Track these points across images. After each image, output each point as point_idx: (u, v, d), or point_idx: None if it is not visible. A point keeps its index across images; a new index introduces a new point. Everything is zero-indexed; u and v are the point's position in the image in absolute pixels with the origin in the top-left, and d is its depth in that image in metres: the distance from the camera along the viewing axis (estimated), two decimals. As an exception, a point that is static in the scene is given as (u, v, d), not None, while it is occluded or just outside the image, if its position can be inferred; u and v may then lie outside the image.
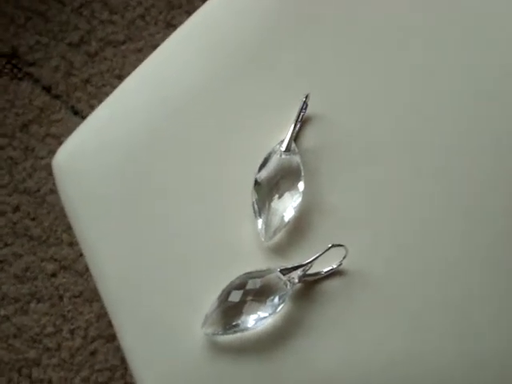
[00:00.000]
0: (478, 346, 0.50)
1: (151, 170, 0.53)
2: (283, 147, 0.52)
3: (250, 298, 0.49)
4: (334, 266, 0.51)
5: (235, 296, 0.49)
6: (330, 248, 0.50)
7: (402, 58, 0.55)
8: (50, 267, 0.75)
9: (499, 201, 0.52)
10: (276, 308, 0.50)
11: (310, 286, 0.51)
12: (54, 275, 0.75)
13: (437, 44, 0.55)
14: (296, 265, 0.50)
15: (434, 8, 0.56)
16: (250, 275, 0.50)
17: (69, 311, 0.74)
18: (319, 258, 0.50)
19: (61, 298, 0.75)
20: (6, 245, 0.75)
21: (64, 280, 0.71)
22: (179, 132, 0.54)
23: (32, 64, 0.78)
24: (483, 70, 0.54)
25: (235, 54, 0.56)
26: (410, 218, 0.52)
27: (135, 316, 0.51)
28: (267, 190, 0.51)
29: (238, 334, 0.50)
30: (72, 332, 0.74)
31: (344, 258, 0.51)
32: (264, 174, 0.52)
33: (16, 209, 0.76)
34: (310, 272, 0.51)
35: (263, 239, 0.51)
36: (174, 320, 0.51)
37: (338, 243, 0.50)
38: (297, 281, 0.50)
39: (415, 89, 0.55)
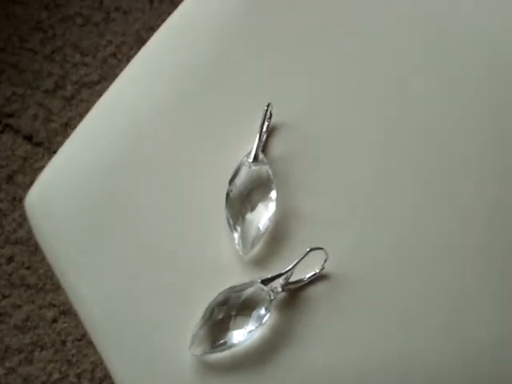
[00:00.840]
0: (465, 342, 0.49)
1: (123, 196, 0.53)
2: (250, 158, 0.51)
3: (233, 312, 0.49)
4: (317, 271, 0.51)
5: (219, 313, 0.49)
6: (308, 252, 0.49)
7: (364, 60, 0.55)
8: (50, 314, 0.75)
9: (484, 198, 0.51)
10: (262, 319, 0.49)
11: (295, 293, 0.51)
12: (54, 321, 0.75)
13: (400, 47, 0.55)
14: (276, 274, 0.49)
15: (395, 9, 0.56)
16: (232, 290, 0.49)
17: (73, 355, 0.74)
18: (300, 264, 0.50)
19: (64, 342, 0.74)
20: (4, 297, 0.75)
21: (65, 325, 0.70)
22: (146, 155, 0.53)
23: (10, 115, 0.79)
24: (443, 71, 0.54)
25: (195, 71, 0.56)
26: (388, 216, 0.52)
27: (123, 346, 0.51)
28: (240, 203, 0.51)
29: (227, 351, 0.49)
30: (79, 376, 0.73)
31: (325, 261, 0.50)
32: (235, 187, 0.51)
33: (10, 260, 0.76)
34: (292, 280, 0.50)
35: (241, 253, 0.51)
36: (161, 345, 0.50)
37: (316, 247, 0.50)
38: (280, 290, 0.50)
39: (377, 90, 0.54)
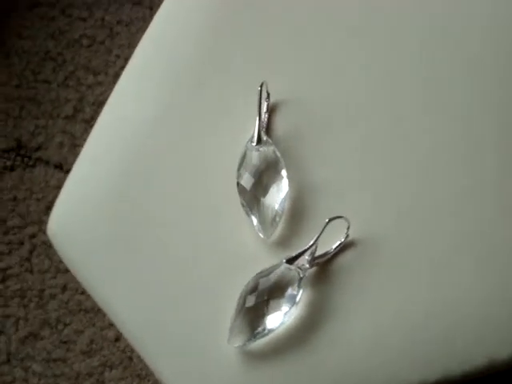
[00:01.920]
0: (500, 289, 0.48)
1: (138, 205, 0.53)
2: (254, 141, 0.51)
3: (265, 297, 0.48)
4: (342, 240, 0.50)
5: (251, 300, 0.48)
6: (328, 223, 0.49)
7: (358, 27, 0.54)
8: (112, 333, 0.75)
9: (496, 150, 0.50)
10: (295, 299, 0.48)
11: (324, 267, 0.50)
12: (117, 340, 0.75)
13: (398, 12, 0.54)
14: (300, 251, 0.49)
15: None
16: (260, 275, 0.49)
17: (141, 369, 0.74)
18: (325, 236, 0.49)
19: (130, 359, 0.75)
20: (66, 325, 0.76)
21: (128, 342, 0.71)
22: (153, 161, 0.53)
23: (38, 148, 0.79)
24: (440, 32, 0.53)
25: (186, 68, 0.55)
26: (403, 173, 0.51)
27: (165, 354, 0.51)
28: (252, 188, 0.50)
29: (268, 338, 0.49)
30: (151, 388, 0.74)
31: (348, 228, 0.49)
32: (244, 173, 0.51)
33: (64, 288, 0.77)
34: (318, 254, 0.50)
35: (263, 236, 0.50)
36: (202, 344, 0.50)
37: (335, 216, 0.49)
38: (308, 266, 0.49)
39: (375, 50, 0.53)
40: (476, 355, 0.47)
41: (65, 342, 0.75)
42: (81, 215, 0.53)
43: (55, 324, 0.76)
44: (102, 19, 0.78)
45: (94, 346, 0.74)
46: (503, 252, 0.48)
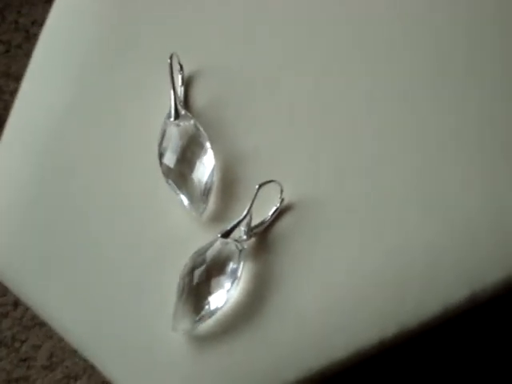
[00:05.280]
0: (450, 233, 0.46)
1: (56, 196, 0.50)
2: (172, 116, 0.48)
3: (205, 276, 0.46)
4: (278, 205, 0.47)
5: (190, 281, 0.46)
6: (258, 189, 0.46)
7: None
8: (71, 343, 0.73)
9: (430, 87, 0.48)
10: (236, 273, 0.46)
11: (264, 236, 0.48)
12: (77, 349, 0.73)
13: None
14: (234, 223, 0.46)
15: None
16: (197, 254, 0.46)
17: (106, 375, 0.72)
18: (259, 206, 0.47)
19: (93, 366, 0.72)
20: (22, 342, 0.74)
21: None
22: (72, 150, 0.51)
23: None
24: None
25: (92, 49, 0.53)
26: (336, 129, 0.49)
27: (110, 351, 0.48)
28: (177, 166, 0.48)
29: (215, 318, 0.46)
30: (119, 393, 0.71)
31: (282, 192, 0.47)
32: (165, 151, 0.48)
33: (15, 305, 0.74)
34: (255, 223, 0.47)
35: (195, 214, 0.48)
36: (147, 337, 0.48)
37: (266, 181, 0.46)
38: (245, 237, 0.47)
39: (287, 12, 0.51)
40: (429, 302, 0.45)
41: (24, 360, 0.72)
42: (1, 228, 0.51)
43: (11, 343, 0.73)
44: (16, 22, 0.75)
45: (54, 359, 0.72)
46: (446, 195, 0.46)
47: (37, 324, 0.73)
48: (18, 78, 0.78)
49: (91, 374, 0.72)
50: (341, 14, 0.50)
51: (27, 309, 0.74)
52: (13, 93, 0.78)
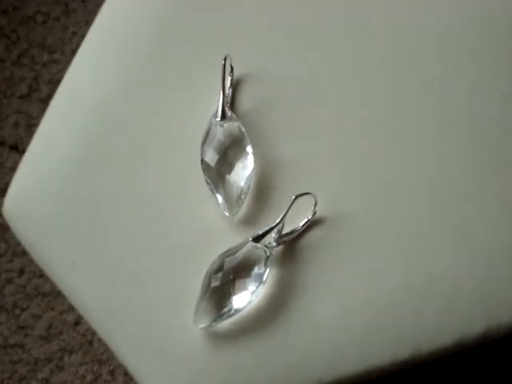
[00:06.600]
0: (474, 252, 0.47)
1: (98, 185, 0.51)
2: (218, 117, 0.49)
3: (231, 277, 0.47)
4: (310, 217, 0.48)
5: (216, 280, 0.47)
6: (295, 200, 0.47)
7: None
8: (72, 317, 0.74)
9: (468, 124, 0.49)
10: (262, 278, 0.47)
11: (292, 245, 0.49)
12: (77, 324, 0.74)
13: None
14: (267, 229, 0.48)
15: None
16: (226, 254, 0.48)
17: (102, 353, 0.73)
18: (293, 214, 0.48)
19: (90, 343, 0.73)
20: (23, 309, 0.74)
21: (88, 325, 0.69)
22: (113, 140, 0.52)
23: (-8, 128, 0.77)
24: None
25: (144, 45, 0.53)
26: (374, 149, 0.50)
27: (129, 336, 0.49)
28: (217, 165, 0.49)
29: (236, 318, 0.48)
30: (112, 373, 0.72)
31: (315, 205, 0.48)
32: (208, 149, 0.49)
33: (21, 272, 0.75)
34: (285, 231, 0.48)
35: (228, 214, 0.49)
36: (167, 326, 0.49)
37: (302, 192, 0.48)
38: (275, 244, 0.48)
39: (344, 24, 0.52)
40: (446, 332, 0.46)
41: (22, 328, 0.73)
42: (38, 196, 0.52)
43: (12, 309, 0.74)
44: (57, -5, 0.76)
45: (52, 330, 0.73)
46: (475, 227, 0.47)
47: (40, 294, 0.74)
48: (52, 50, 0.78)
49: (87, 350, 0.73)
50: (397, 31, 0.51)
51: (32, 277, 0.75)
52: (45, 64, 0.79)
